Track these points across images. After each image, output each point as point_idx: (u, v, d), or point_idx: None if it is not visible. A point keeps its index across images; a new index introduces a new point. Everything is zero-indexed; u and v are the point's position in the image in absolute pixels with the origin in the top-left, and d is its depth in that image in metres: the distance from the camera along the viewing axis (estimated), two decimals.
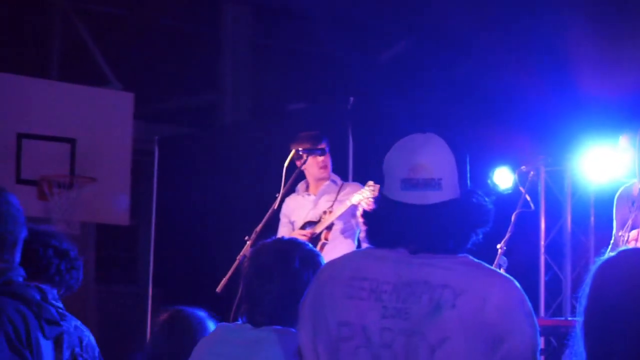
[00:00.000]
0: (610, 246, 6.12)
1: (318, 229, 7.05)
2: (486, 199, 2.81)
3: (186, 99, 12.96)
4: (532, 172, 8.01)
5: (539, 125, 8.56)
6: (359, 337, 2.72)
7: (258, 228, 6.75)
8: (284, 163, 6.96)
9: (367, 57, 11.77)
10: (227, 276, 6.68)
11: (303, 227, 7.15)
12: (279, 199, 6.94)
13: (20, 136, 8.60)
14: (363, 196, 6.74)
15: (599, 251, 7.59)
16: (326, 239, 7.01)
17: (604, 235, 6.60)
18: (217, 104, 12.92)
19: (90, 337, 3.91)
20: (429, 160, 2.77)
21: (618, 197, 6.21)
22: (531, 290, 7.79)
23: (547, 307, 8.64)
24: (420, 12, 10.55)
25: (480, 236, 2.80)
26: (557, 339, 7.50)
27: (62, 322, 3.23)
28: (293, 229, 7.26)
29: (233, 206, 10.75)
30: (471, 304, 2.65)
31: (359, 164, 7.25)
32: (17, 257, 3.22)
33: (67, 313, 3.40)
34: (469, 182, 2.83)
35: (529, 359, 2.68)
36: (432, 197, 2.76)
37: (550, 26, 9.14)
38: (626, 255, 2.69)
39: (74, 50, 11.78)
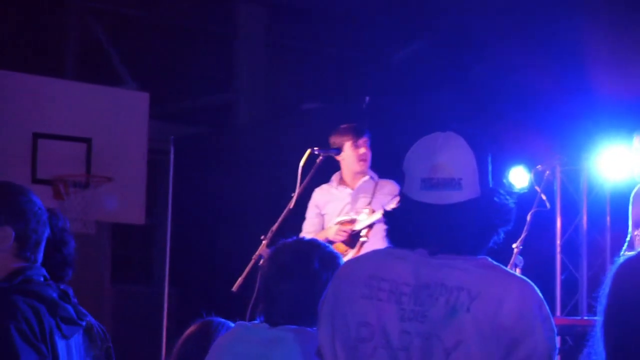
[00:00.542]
0: (626, 245, 6.13)
1: (358, 226, 7.01)
2: (508, 197, 2.79)
3: (201, 99, 12.96)
4: (547, 171, 8.02)
5: (555, 125, 8.56)
6: (377, 338, 2.71)
7: (274, 227, 6.76)
8: (299, 162, 6.96)
9: (382, 57, 11.76)
10: (243, 275, 6.67)
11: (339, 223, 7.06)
12: (294, 198, 6.93)
13: (36, 136, 8.60)
14: None
15: (614, 250, 7.61)
16: (367, 237, 6.94)
17: (619, 234, 6.58)
18: (233, 104, 12.92)
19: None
20: (449, 159, 2.75)
21: (634, 196, 6.20)
22: (547, 289, 7.79)
23: (563, 306, 8.64)
24: (435, 11, 10.54)
25: (502, 235, 2.78)
26: (573, 338, 7.49)
27: (80, 322, 3.23)
28: (324, 222, 7.23)
29: (248, 205, 10.77)
30: (487, 308, 2.63)
31: (375, 164, 7.23)
32: (40, 256, 3.21)
33: (86, 312, 3.39)
34: (490, 180, 2.80)
35: None
36: (452, 197, 2.74)
37: (566, 27, 9.14)
38: None
39: (89, 51, 11.81)
